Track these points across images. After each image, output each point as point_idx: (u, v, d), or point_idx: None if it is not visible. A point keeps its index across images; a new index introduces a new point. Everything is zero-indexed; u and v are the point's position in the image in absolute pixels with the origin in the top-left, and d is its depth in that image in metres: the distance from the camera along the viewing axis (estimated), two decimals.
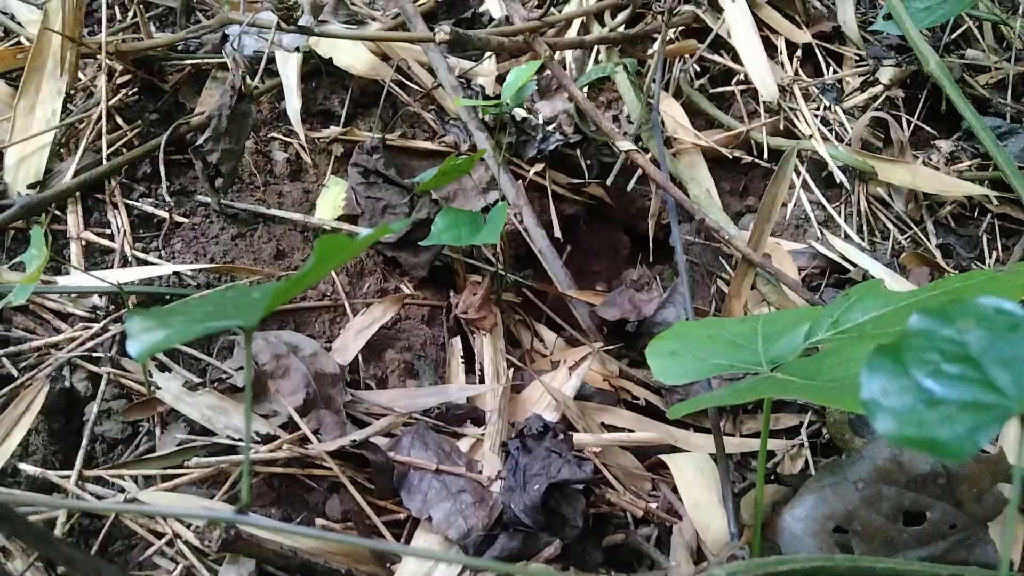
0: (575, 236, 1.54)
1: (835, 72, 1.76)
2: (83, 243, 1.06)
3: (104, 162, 1.16)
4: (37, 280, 0.77)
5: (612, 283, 1.61)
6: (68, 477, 0.85)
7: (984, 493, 0.86)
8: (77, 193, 1.12)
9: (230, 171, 1.14)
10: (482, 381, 1.09)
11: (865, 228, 1.53)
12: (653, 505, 0.94)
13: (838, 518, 0.87)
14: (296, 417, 0.87)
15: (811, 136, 1.57)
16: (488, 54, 1.52)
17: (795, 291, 1.20)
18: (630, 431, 1.06)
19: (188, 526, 0.81)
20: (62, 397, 0.90)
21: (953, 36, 1.80)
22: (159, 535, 0.81)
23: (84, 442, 0.87)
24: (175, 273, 1.03)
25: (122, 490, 0.84)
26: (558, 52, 1.50)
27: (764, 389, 0.71)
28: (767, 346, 0.86)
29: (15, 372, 0.91)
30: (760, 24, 1.72)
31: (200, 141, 1.12)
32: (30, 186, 1.11)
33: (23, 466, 0.86)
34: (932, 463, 0.87)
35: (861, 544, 0.85)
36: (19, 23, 1.36)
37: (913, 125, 1.68)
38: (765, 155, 1.56)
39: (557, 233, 1.38)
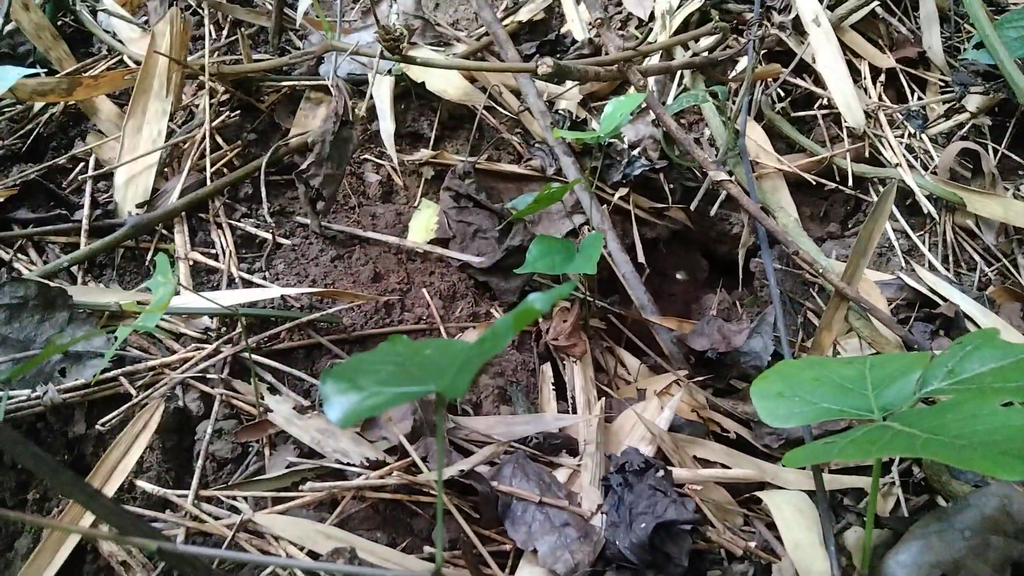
0: (654, 258, 1.54)
1: (919, 98, 1.74)
2: (190, 263, 1.10)
3: (208, 182, 1.19)
4: (165, 308, 0.80)
5: (691, 306, 1.60)
6: (184, 496, 0.87)
7: None
8: (183, 213, 1.15)
9: (331, 195, 1.17)
10: (574, 409, 1.09)
11: (951, 259, 1.51)
12: (752, 544, 0.93)
13: (944, 566, 0.86)
14: (407, 445, 0.88)
15: (897, 164, 1.55)
16: None
17: (888, 327, 1.19)
18: (724, 466, 1.06)
19: (301, 549, 0.83)
20: (176, 417, 0.93)
21: None
22: (272, 556, 0.83)
23: (200, 461, 0.89)
24: (281, 297, 1.05)
25: (235, 510, 0.87)
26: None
27: (889, 445, 0.70)
28: (877, 392, 0.85)
29: (132, 391, 0.94)
30: (843, 48, 1.71)
31: (304, 166, 1.14)
32: (138, 205, 1.15)
33: (140, 483, 0.89)
34: None
35: None
36: (120, 41, 1.41)
37: (1000, 154, 1.65)
38: (849, 182, 1.55)
39: (641, 258, 1.38)
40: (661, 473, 0.91)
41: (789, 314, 1.47)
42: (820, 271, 1.21)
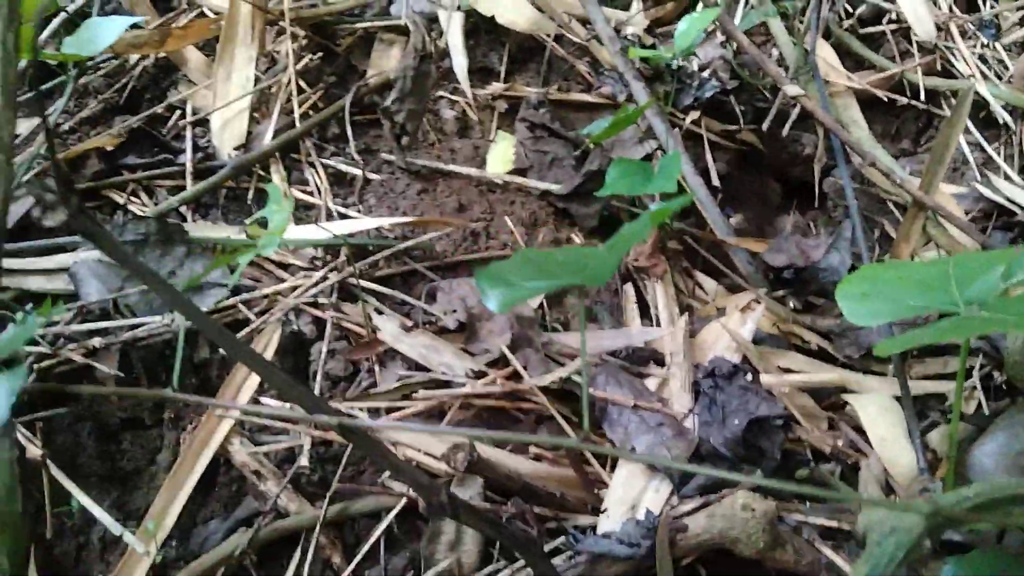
0: (726, 184, 1.56)
1: (991, 7, 1.70)
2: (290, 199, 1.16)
3: (297, 124, 1.24)
4: (283, 232, 0.86)
5: (765, 230, 1.62)
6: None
7: None
8: (277, 154, 1.21)
9: (414, 130, 1.21)
10: (658, 325, 1.14)
11: None
12: (839, 443, 0.97)
13: None
14: (509, 355, 0.94)
15: (971, 76, 1.53)
16: (637, 4, 1.54)
17: (968, 233, 1.20)
18: (808, 373, 1.09)
19: (418, 450, 0.90)
20: (291, 339, 1.00)
21: None
22: None
23: (317, 380, 0.96)
24: (376, 228, 1.11)
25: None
26: None
27: (979, 327, 0.73)
28: (961, 287, 0.87)
29: (251, 316, 1.01)
30: None
31: (387, 102, 1.19)
32: (236, 148, 1.21)
33: (264, 400, 0.96)
34: None
35: None
36: None
37: None
38: (921, 96, 1.54)
39: (715, 181, 1.41)
40: (750, 376, 0.95)
41: (864, 231, 1.48)
42: (899, 180, 1.22)
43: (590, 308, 1.15)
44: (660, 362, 1.07)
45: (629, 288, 1.19)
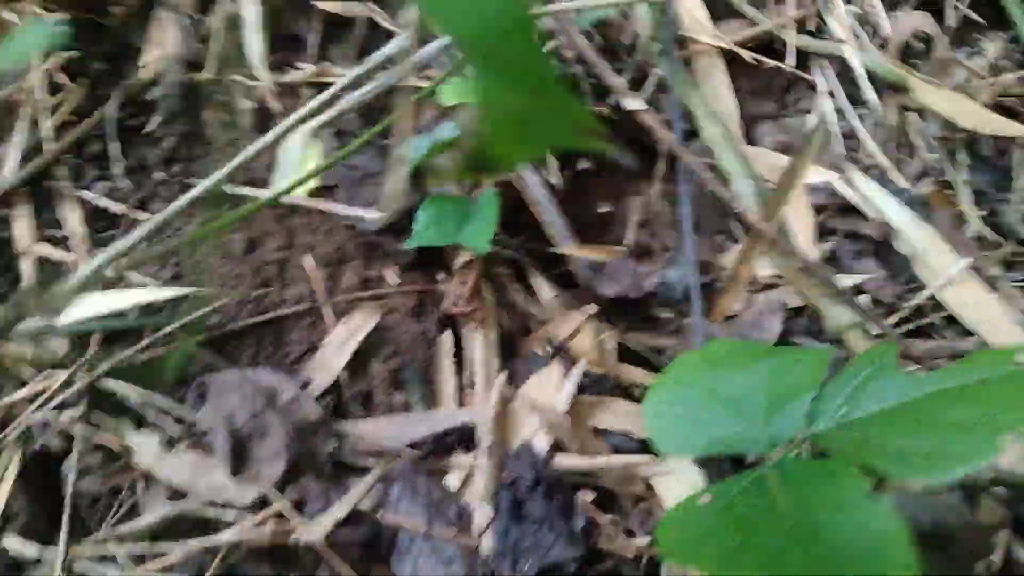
0: (576, 163, 1.42)
1: None
2: (36, 259, 0.98)
3: (50, 145, 1.03)
4: None
5: (620, 202, 1.50)
6: (55, 547, 0.84)
7: None
8: (25, 188, 1.01)
9: (189, 156, 1.03)
10: (472, 385, 1.05)
11: (894, 144, 1.41)
12: (644, 541, 0.93)
13: None
14: (276, 494, 0.84)
15: (842, 41, 1.40)
16: None
17: (811, 271, 1.12)
18: (628, 436, 1.03)
19: None
20: (36, 460, 0.87)
21: None
22: None
23: (66, 515, 0.85)
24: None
25: (111, 560, 0.84)
26: None
27: (748, 549, 0.65)
28: (771, 414, 0.81)
29: None
30: None
31: (152, 127, 0.99)
32: None
33: (7, 540, 0.85)
34: None
35: None
36: None
37: (962, 16, 1.48)
38: (790, 59, 1.41)
39: (556, 179, 1.27)
40: (552, 492, 0.89)
41: (714, 217, 1.39)
42: (742, 210, 1.12)
43: (398, 371, 1.04)
44: (469, 443, 0.99)
45: (447, 338, 1.08)
